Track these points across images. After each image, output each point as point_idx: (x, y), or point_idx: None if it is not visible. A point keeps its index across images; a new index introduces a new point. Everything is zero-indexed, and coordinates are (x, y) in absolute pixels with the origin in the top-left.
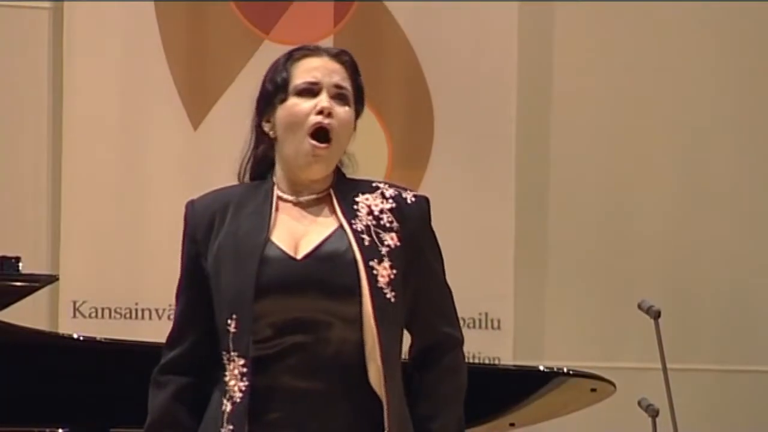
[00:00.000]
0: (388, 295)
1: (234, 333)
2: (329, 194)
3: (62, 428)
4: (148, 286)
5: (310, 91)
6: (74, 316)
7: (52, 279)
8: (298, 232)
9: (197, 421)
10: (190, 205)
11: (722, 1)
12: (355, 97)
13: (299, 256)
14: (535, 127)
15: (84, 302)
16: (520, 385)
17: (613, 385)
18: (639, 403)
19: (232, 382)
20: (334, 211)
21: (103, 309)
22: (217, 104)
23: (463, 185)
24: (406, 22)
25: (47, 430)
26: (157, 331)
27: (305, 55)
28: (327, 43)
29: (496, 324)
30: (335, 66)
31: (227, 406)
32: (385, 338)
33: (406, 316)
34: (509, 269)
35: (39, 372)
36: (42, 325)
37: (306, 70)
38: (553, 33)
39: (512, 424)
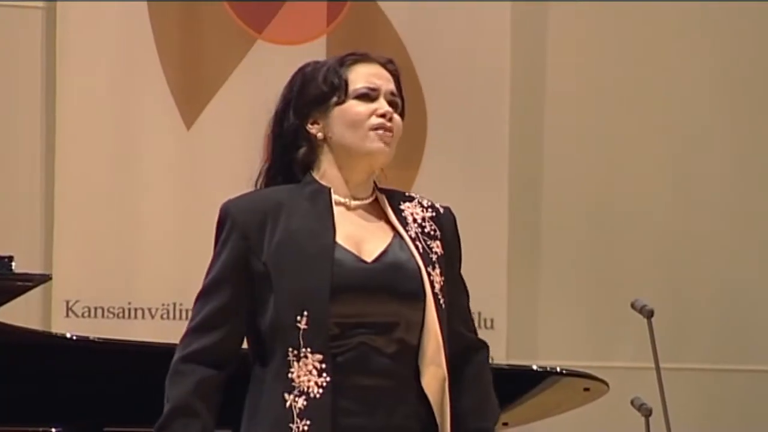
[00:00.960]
0: (441, 301)
1: (305, 330)
2: (377, 201)
3: (55, 428)
4: (141, 285)
5: (368, 96)
6: (67, 315)
7: (45, 278)
8: (357, 236)
9: (214, 415)
10: (233, 204)
11: (716, 1)
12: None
13: (368, 260)
14: (528, 127)
15: (77, 302)
16: (514, 384)
17: (607, 384)
18: (632, 403)
19: (304, 378)
20: (386, 218)
21: (96, 308)
22: (210, 104)
23: (456, 185)
24: (400, 22)
25: (40, 429)
26: (150, 330)
27: (358, 61)
28: (320, 42)
29: (489, 323)
30: (388, 75)
31: (298, 402)
32: (446, 342)
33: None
34: (502, 269)
35: (32, 371)
36: (35, 324)
37: (363, 75)
38: (546, 33)
39: (505, 424)
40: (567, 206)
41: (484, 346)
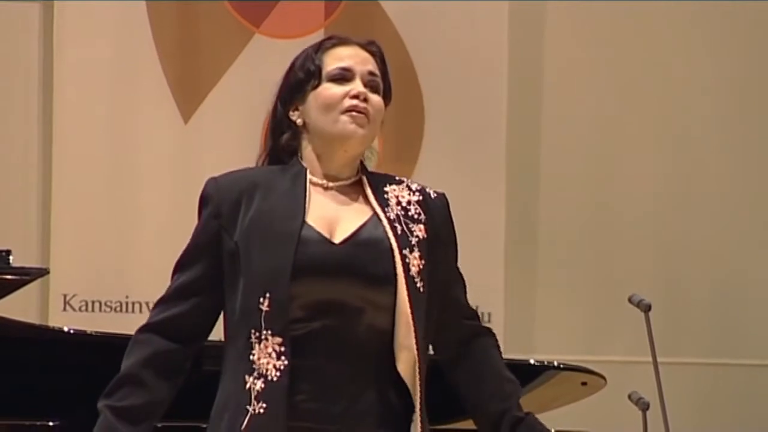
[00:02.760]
0: (418, 284)
1: (267, 312)
2: (359, 181)
3: (52, 421)
4: (138, 279)
5: (344, 77)
6: (64, 309)
7: (42, 272)
8: (331, 216)
9: (169, 387)
10: (213, 182)
11: (713, 0)
12: (384, 88)
13: (337, 241)
14: (525, 123)
15: (74, 295)
16: None
17: (604, 378)
18: (629, 397)
19: (263, 360)
20: (366, 199)
21: (93, 302)
22: (207, 98)
23: (454, 180)
24: (398, 17)
25: (37, 423)
26: None
27: (336, 44)
28: (317, 36)
29: (486, 318)
30: (366, 55)
31: (256, 384)
32: (419, 326)
33: (436, 312)
34: (500, 263)
35: (29, 365)
36: (32, 318)
37: (339, 57)
38: (543, 29)
39: None
40: (564, 201)
41: (485, 332)
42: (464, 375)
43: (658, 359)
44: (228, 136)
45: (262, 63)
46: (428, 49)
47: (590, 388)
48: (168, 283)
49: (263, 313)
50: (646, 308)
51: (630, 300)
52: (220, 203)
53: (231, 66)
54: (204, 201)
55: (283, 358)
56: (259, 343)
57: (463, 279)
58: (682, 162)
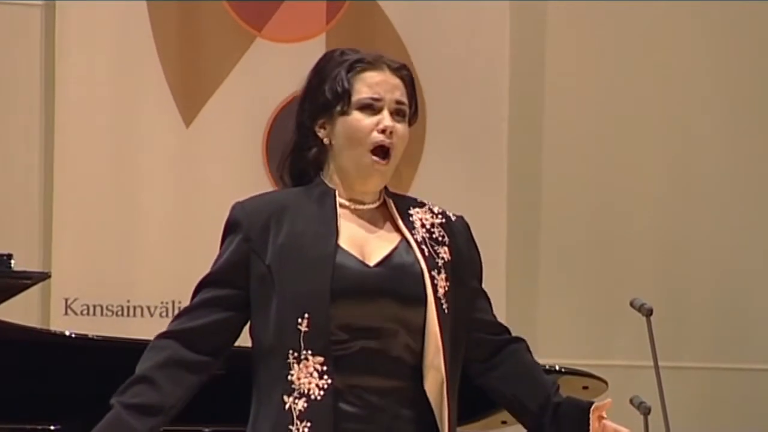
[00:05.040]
0: (444, 306)
1: (306, 332)
2: (385, 204)
3: (54, 426)
4: (140, 283)
5: (372, 107)
6: (66, 313)
7: (44, 276)
8: (361, 239)
9: (182, 393)
10: (240, 206)
11: (713, 0)
12: (411, 111)
13: (371, 264)
14: (527, 126)
15: (76, 299)
16: None
17: (605, 383)
18: (631, 401)
19: (304, 380)
20: (393, 222)
21: (94, 306)
22: (209, 101)
23: (455, 183)
24: (399, 21)
25: (39, 427)
26: (148, 328)
27: (366, 68)
28: (319, 40)
29: None
30: (396, 81)
31: (298, 404)
32: (447, 345)
33: (464, 334)
34: (501, 267)
35: (30, 369)
36: (33, 322)
37: (369, 85)
38: (544, 32)
39: (504, 422)
40: (566, 204)
41: (515, 340)
42: (499, 380)
43: (660, 363)
44: (229, 140)
45: (264, 67)
46: (430, 52)
47: (592, 393)
48: (167, 285)
49: (302, 334)
50: (648, 312)
51: (631, 304)
52: (250, 228)
53: (232, 70)
54: (232, 226)
55: (326, 377)
56: (299, 363)
57: (488, 297)
58: (684, 166)
